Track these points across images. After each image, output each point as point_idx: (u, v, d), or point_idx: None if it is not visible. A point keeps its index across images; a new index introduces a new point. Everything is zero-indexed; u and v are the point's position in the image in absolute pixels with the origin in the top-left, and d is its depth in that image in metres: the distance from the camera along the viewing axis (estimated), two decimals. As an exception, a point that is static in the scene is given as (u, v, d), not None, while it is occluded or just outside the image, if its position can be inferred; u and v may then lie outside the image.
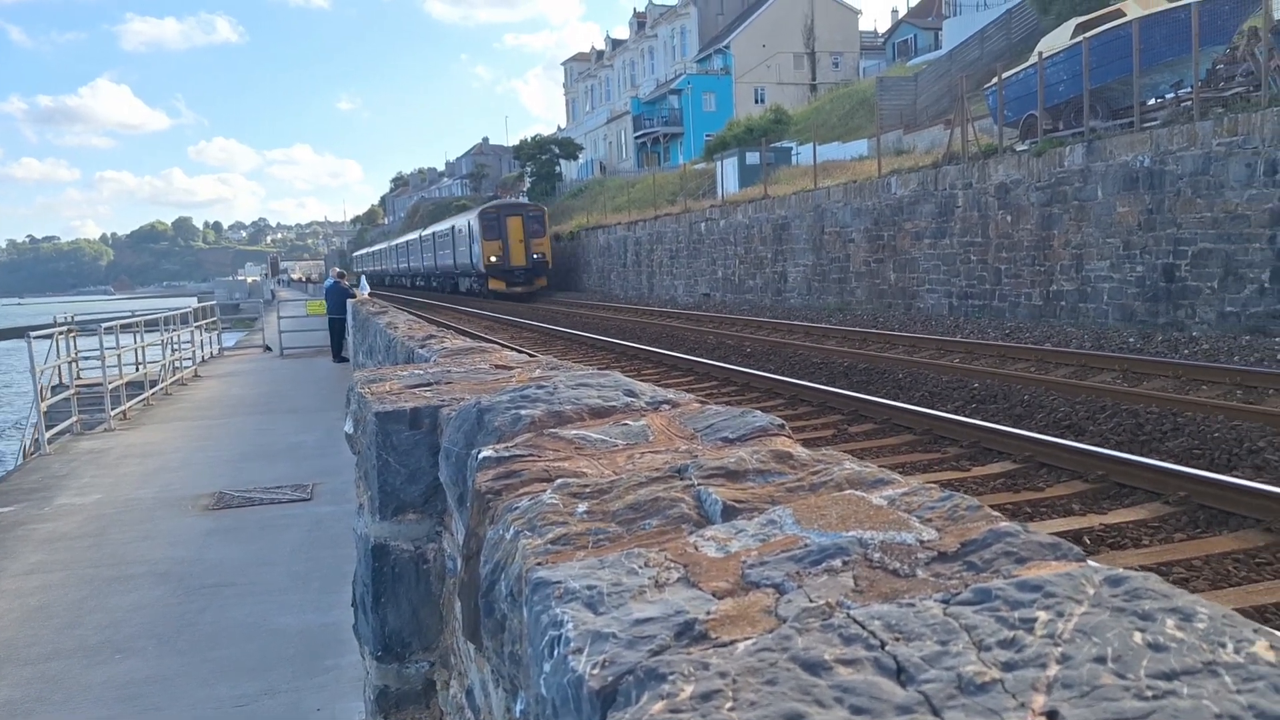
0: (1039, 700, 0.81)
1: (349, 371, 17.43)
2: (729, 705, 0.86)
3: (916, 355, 13.46)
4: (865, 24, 69.05)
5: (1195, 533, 5.74)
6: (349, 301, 19.07)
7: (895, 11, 69.02)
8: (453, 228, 46.82)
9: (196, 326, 19.60)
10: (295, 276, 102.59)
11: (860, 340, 15.85)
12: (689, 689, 0.89)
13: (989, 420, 8.58)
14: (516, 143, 73.98)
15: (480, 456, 1.98)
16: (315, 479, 8.53)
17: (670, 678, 0.92)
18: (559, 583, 1.21)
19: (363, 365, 14.01)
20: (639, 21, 76.77)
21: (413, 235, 61.76)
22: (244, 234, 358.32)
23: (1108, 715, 0.78)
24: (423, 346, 6.14)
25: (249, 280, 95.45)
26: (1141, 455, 7.08)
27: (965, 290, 19.13)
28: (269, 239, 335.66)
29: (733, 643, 0.99)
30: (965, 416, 8.76)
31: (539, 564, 1.31)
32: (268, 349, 23.21)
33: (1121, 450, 7.25)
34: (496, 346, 4.89)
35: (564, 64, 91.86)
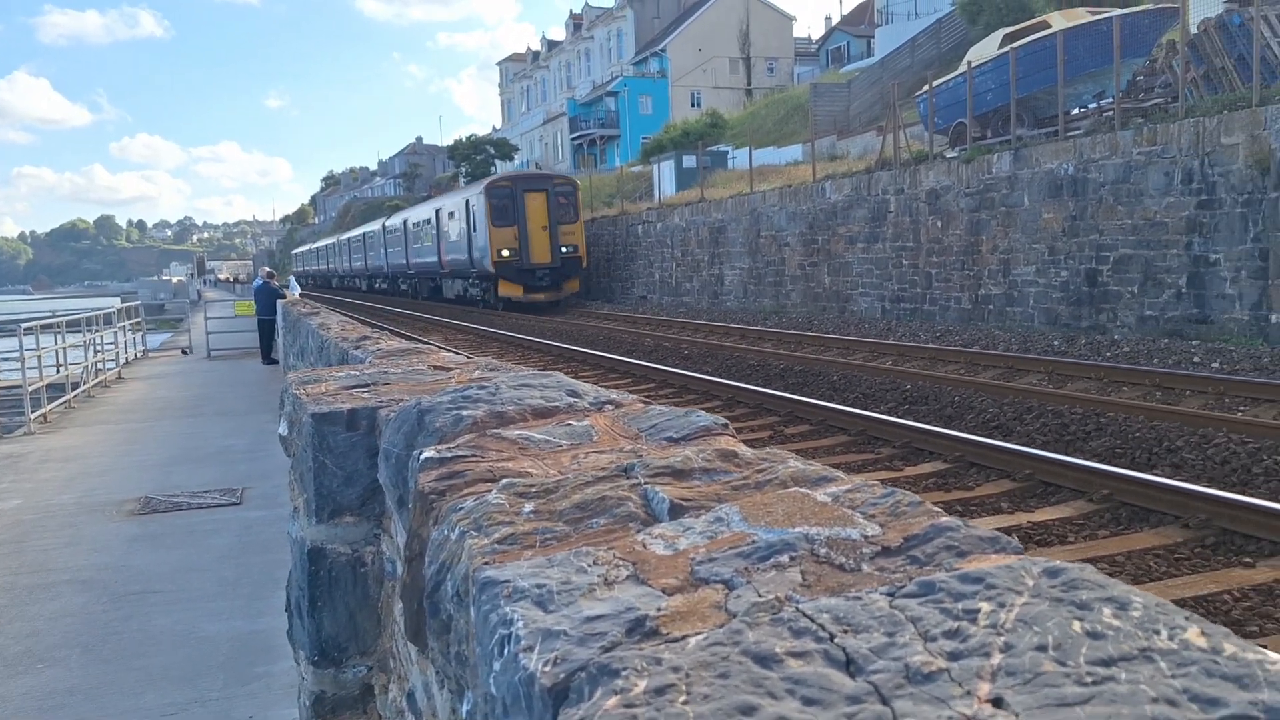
0: (984, 688, 0.83)
1: (279, 374, 17.13)
2: (682, 699, 0.87)
3: (850, 357, 13.65)
4: (799, 31, 69.84)
5: (1118, 529, 5.91)
6: (279, 302, 18.75)
7: (829, 19, 70.04)
8: (437, 212, 34.70)
9: (120, 327, 19.09)
10: (222, 277, 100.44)
11: (795, 343, 16.01)
12: (642, 684, 0.90)
13: (921, 421, 8.74)
14: (451, 143, 73.35)
15: (422, 457, 1.96)
16: (245, 483, 8.36)
17: (623, 673, 0.92)
18: (507, 582, 1.21)
19: (294, 367, 13.77)
20: (575, 23, 76.73)
21: (372, 226, 49.36)
22: (169, 233, 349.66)
23: (1050, 701, 0.80)
24: (357, 348, 6.06)
25: (174, 280, 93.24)
26: (1067, 455, 7.27)
27: (897, 294, 19.46)
28: (195, 238, 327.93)
29: (684, 638, 1.00)
30: (898, 417, 8.91)
31: (486, 564, 1.30)
32: (185, 352, 22.61)
33: (1048, 450, 7.44)
34: (433, 348, 4.85)
35: (499, 64, 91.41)
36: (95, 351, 16.62)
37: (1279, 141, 12.10)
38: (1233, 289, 12.86)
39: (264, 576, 5.88)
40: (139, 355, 22.18)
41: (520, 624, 1.08)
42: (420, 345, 5.11)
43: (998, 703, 0.81)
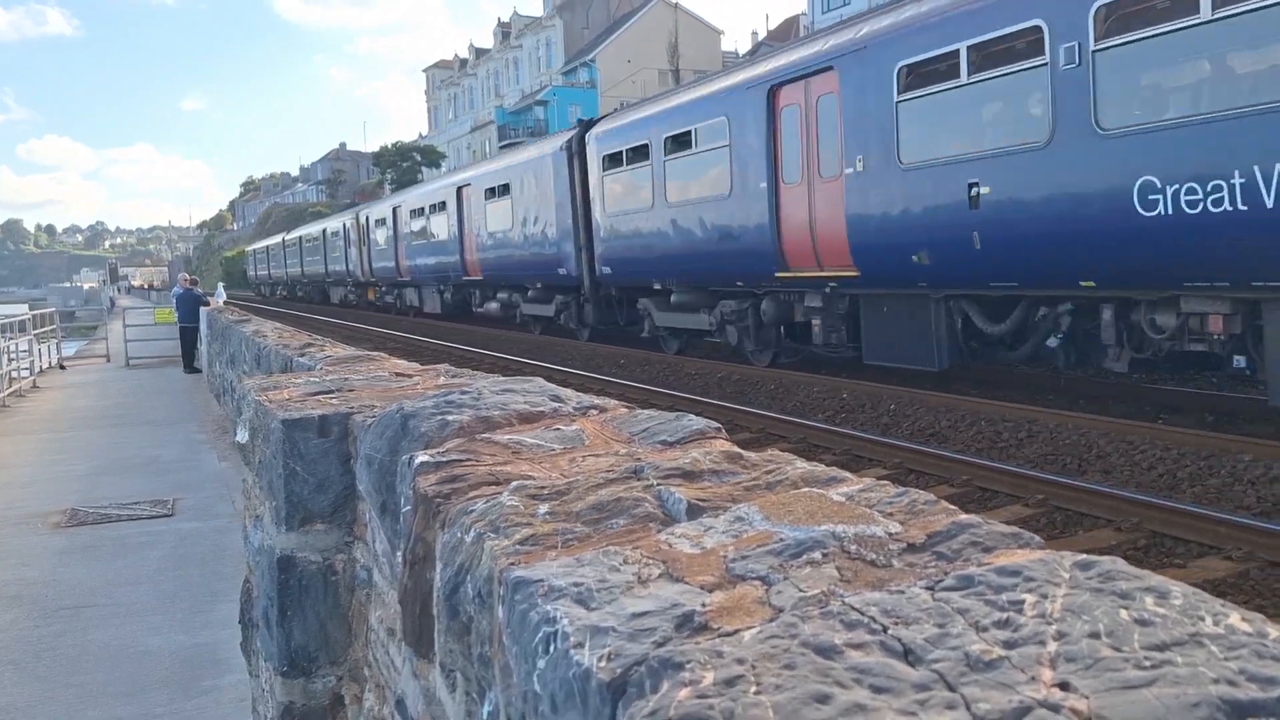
0: (1047, 674, 0.86)
1: (202, 382, 16.71)
2: (754, 689, 0.88)
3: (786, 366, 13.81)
4: (727, 44, 70.61)
5: (1054, 533, 6.10)
6: (202, 310, 18.34)
7: (755, 33, 70.88)
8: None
9: (35, 335, 18.46)
10: (136, 284, 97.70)
11: (732, 350, 16.13)
12: (710, 676, 0.91)
13: (859, 430, 8.89)
14: (376, 149, 72.62)
15: (417, 461, 1.95)
16: (175, 494, 8.14)
17: (688, 666, 0.93)
18: (541, 581, 1.21)
19: (221, 376, 13.47)
20: (503, 31, 76.46)
21: (472, 173, 24.29)
22: (80, 238, 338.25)
23: (1116, 684, 0.83)
24: (302, 355, 5.96)
25: (86, 287, 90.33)
26: (1001, 461, 7.47)
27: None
28: (108, 243, 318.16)
29: (737, 632, 1.01)
30: (837, 426, 9.06)
31: (513, 564, 1.30)
32: (62, 367, 21.37)
33: (983, 457, 7.64)
34: (384, 355, 4.80)
35: (426, 71, 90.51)
36: (9, 359, 16.05)
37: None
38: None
39: (203, 589, 5.73)
40: (54, 364, 21.45)
41: (565, 621, 1.09)
42: (372, 353, 5.05)
43: (1064, 686, 0.84)
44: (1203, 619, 0.93)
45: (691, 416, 2.09)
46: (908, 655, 0.92)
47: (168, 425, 12.08)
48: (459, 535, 1.54)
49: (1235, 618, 0.93)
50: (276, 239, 56.15)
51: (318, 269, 43.09)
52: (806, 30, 54.16)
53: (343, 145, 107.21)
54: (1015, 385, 10.96)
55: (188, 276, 21.65)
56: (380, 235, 31.74)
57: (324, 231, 41.31)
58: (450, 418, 2.28)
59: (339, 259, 38.36)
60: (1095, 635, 0.92)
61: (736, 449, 1.80)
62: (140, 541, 6.79)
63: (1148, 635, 0.90)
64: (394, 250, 29.82)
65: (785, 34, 62.77)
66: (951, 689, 0.86)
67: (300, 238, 47.12)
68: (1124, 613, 0.96)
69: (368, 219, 33.64)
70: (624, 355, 15.88)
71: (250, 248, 69.09)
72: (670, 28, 62.62)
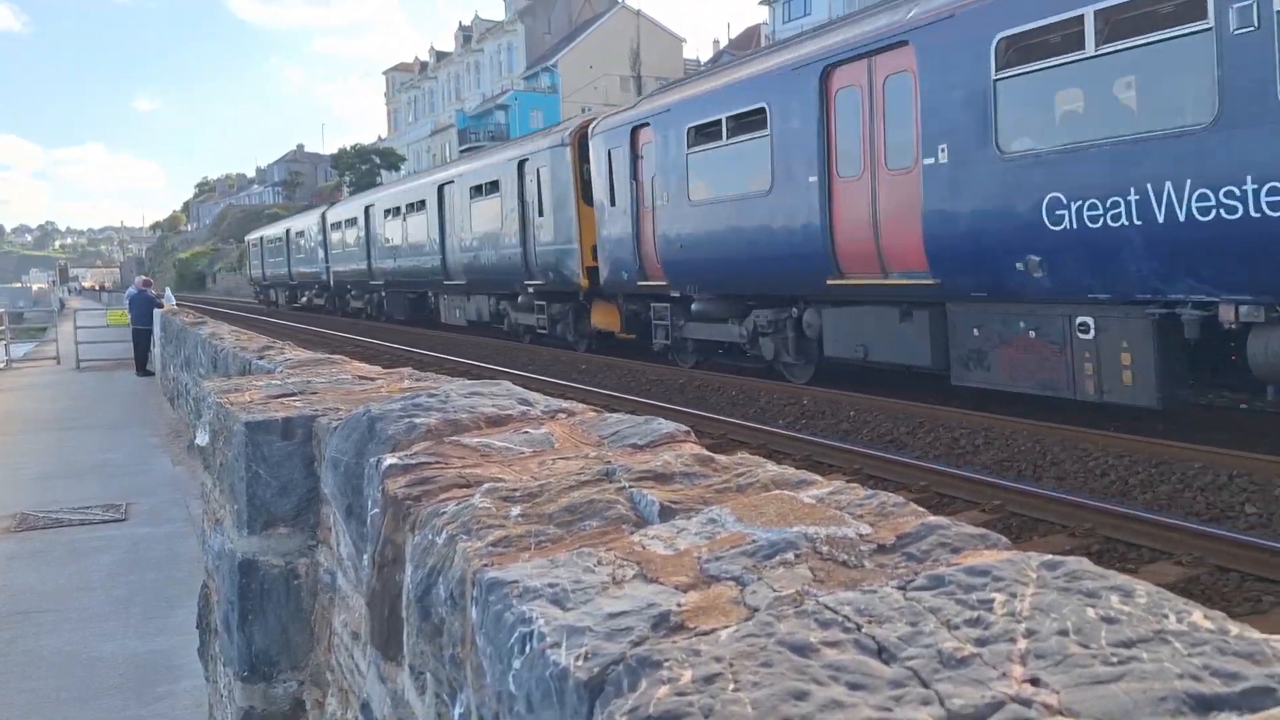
0: (1018, 670, 0.88)
1: (156, 385, 16.45)
2: (732, 686, 0.89)
3: (747, 373, 13.87)
4: (689, 52, 70.84)
5: (1011, 538, 6.17)
6: (156, 312, 18.07)
7: (717, 42, 71.23)
8: None
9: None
10: (87, 285, 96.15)
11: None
12: (688, 674, 0.92)
13: (820, 436, 8.96)
14: (335, 151, 72.06)
15: (385, 464, 1.94)
16: (128, 498, 8.00)
17: (666, 664, 0.94)
18: (515, 582, 1.21)
19: (175, 379, 13.27)
20: (465, 35, 76.17)
21: None
22: (29, 238, 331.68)
23: (1085, 680, 0.85)
24: (261, 357, 5.90)
25: (35, 288, 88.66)
26: (958, 468, 7.56)
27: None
28: (58, 244, 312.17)
29: (713, 631, 1.02)
30: (797, 432, 9.12)
31: (486, 565, 1.30)
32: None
33: (940, 463, 7.72)
34: (345, 359, 4.77)
35: (386, 73, 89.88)
36: (-45, 360, 15.72)
37: None
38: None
39: (157, 594, 5.64)
40: (1, 366, 21.00)
41: (541, 621, 1.09)
42: (332, 356, 5.01)
43: (1035, 682, 0.86)
44: (1167, 617, 0.95)
45: (661, 420, 2.10)
46: (882, 653, 0.94)
47: (120, 429, 11.87)
48: (430, 537, 1.53)
49: (1198, 615, 0.95)
50: (311, 216, 36.63)
51: (420, 263, 23.62)
52: (767, 39, 54.47)
53: (300, 147, 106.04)
54: (971, 394, 11.10)
55: (143, 278, 21.34)
56: (698, 178, 12.83)
57: (440, 190, 22.35)
58: (418, 420, 2.27)
59: (495, 243, 19.27)
60: (1064, 633, 0.94)
61: (707, 452, 1.81)
62: (92, 546, 6.67)
63: (1114, 632, 0.92)
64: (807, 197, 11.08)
65: (747, 43, 63.11)
66: (925, 685, 0.87)
67: (367, 208, 28.02)
68: (1091, 611, 0.98)
69: (636, 139, 14.37)
70: (585, 360, 15.88)
71: (258, 234, 47.13)
72: (632, 35, 62.76)
